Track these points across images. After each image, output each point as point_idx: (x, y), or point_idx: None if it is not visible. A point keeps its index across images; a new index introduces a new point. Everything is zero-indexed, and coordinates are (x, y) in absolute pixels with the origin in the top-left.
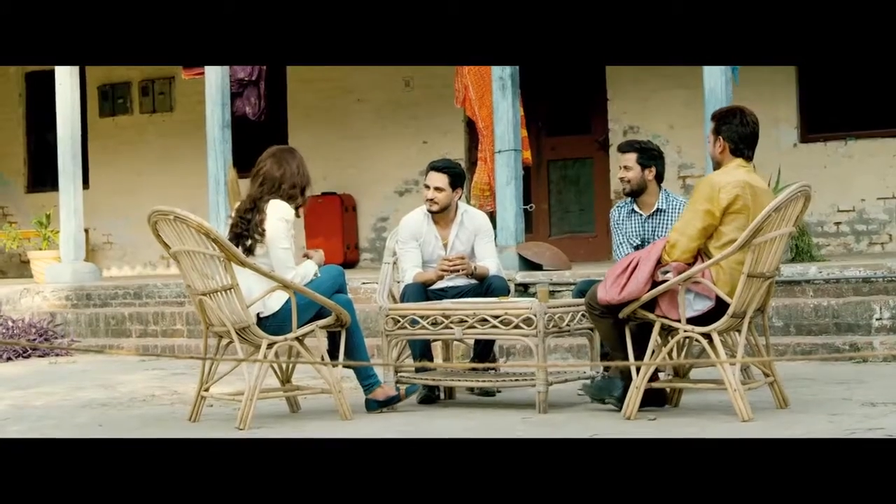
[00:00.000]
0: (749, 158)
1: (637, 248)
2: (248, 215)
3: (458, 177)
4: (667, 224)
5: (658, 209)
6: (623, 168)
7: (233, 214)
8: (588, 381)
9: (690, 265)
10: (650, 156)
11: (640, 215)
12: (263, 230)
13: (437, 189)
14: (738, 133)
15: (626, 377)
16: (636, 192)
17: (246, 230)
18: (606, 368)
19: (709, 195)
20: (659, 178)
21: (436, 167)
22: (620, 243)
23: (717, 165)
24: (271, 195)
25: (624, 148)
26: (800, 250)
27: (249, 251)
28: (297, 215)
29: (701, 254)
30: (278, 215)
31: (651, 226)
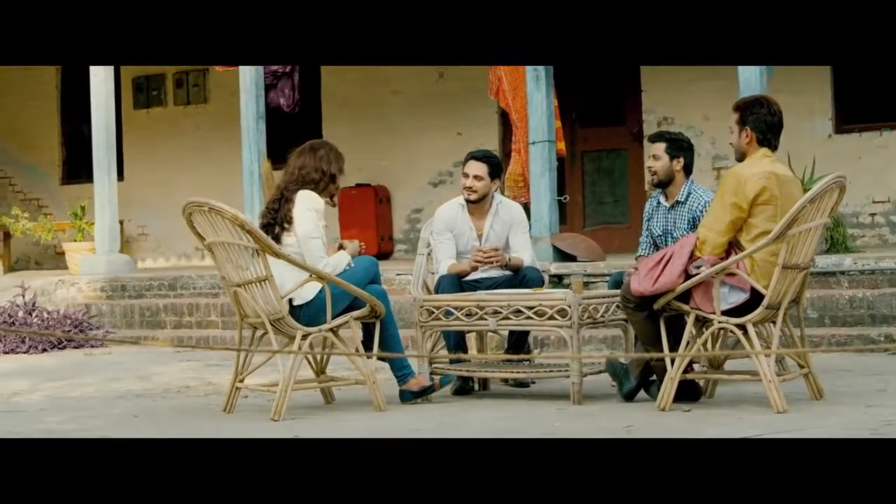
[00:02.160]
0: (774, 148)
1: (658, 237)
2: (275, 205)
3: (496, 167)
4: (685, 216)
5: (676, 201)
6: (652, 157)
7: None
8: (617, 360)
9: (723, 259)
10: (679, 146)
11: (665, 206)
12: (291, 219)
13: (476, 178)
14: (765, 122)
15: (642, 377)
16: (664, 183)
17: (273, 220)
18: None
19: (735, 188)
20: (687, 169)
21: (475, 156)
22: (643, 238)
23: (741, 156)
24: (299, 185)
25: (654, 138)
26: (835, 241)
27: (276, 240)
28: (333, 204)
29: (733, 247)
30: (307, 205)
31: (672, 217)
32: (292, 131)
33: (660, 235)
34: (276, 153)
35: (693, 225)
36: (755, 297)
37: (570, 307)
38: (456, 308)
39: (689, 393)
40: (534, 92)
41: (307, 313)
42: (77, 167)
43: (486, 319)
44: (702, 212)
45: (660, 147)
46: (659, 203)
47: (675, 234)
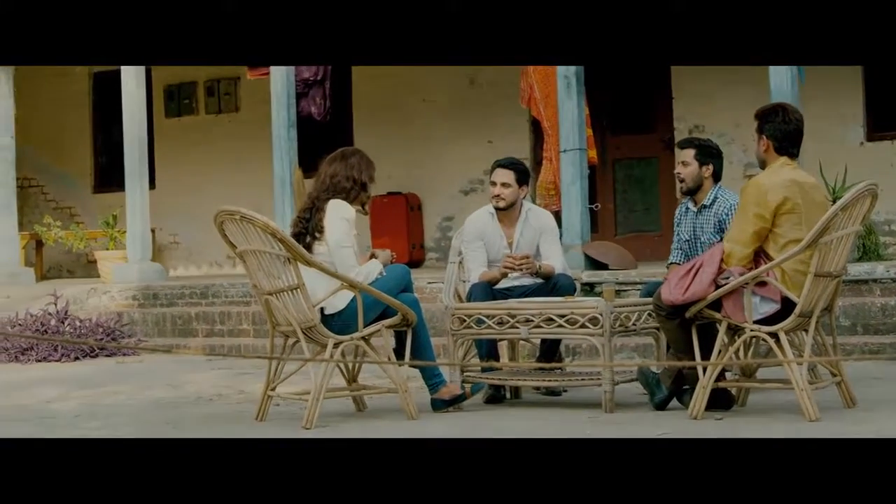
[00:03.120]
0: (794, 156)
1: (685, 242)
2: (306, 214)
3: (523, 173)
4: (711, 220)
5: (703, 205)
6: (681, 164)
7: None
8: (649, 369)
9: (750, 269)
10: (709, 153)
11: (693, 211)
12: (322, 228)
13: (504, 185)
14: (781, 131)
15: (674, 386)
16: (692, 191)
17: (305, 229)
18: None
19: (756, 199)
20: (716, 176)
21: (502, 164)
22: (674, 245)
23: (763, 164)
24: (329, 194)
25: (683, 144)
26: (867, 249)
27: (308, 249)
28: (364, 212)
29: (762, 257)
30: (339, 214)
31: (700, 221)
32: (323, 140)
33: (687, 240)
34: (308, 161)
35: (720, 228)
36: (786, 307)
37: (601, 315)
38: (487, 316)
39: (721, 401)
40: (565, 100)
41: (339, 322)
42: (109, 176)
43: (517, 328)
44: (727, 215)
45: (689, 153)
46: (687, 209)
47: (702, 239)
